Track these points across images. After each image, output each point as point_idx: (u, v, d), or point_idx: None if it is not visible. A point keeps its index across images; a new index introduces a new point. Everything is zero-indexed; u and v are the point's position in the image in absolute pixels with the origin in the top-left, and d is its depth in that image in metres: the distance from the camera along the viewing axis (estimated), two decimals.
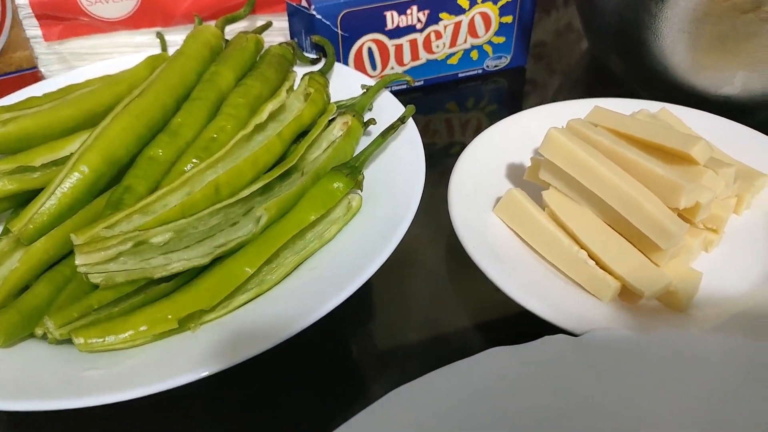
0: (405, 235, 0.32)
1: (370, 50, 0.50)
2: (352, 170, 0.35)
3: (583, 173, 0.34)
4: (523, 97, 0.58)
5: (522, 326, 0.31)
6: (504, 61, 0.55)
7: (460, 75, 0.55)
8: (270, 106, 0.37)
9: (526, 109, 0.44)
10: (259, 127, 0.37)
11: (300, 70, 0.44)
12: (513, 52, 0.55)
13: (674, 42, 0.42)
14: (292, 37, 0.50)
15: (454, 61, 0.53)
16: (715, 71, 0.42)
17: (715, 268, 0.34)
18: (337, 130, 0.39)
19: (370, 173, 0.39)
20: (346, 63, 0.50)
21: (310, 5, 0.46)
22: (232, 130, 0.36)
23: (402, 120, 0.38)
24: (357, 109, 0.40)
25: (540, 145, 0.36)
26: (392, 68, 0.52)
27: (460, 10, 0.50)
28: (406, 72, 0.53)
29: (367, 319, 0.37)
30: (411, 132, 0.39)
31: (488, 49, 0.54)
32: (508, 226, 0.37)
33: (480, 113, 0.55)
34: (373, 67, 0.51)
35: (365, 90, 0.42)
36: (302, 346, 0.29)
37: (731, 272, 0.34)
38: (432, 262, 0.40)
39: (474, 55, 0.54)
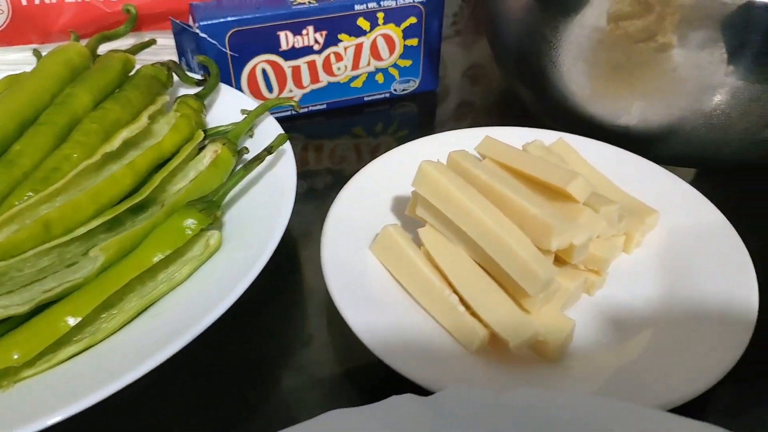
0: (284, 272, 0.29)
1: (264, 72, 0.47)
2: (208, 206, 0.32)
3: (454, 211, 0.31)
4: (435, 122, 0.56)
5: (387, 377, 0.28)
6: (412, 85, 0.53)
7: (366, 99, 0.52)
8: (125, 133, 0.34)
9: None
10: (112, 156, 0.34)
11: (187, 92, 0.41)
12: (421, 76, 0.53)
13: (571, 71, 0.41)
14: (180, 57, 0.47)
15: (358, 84, 0.51)
16: (612, 101, 0.41)
17: (598, 312, 0.32)
18: (207, 159, 0.36)
19: (237, 207, 0.36)
20: (238, 85, 0.47)
21: (194, 23, 0.43)
22: (79, 160, 0.33)
23: (269, 150, 0.35)
24: (230, 136, 0.37)
25: (413, 179, 0.33)
26: (290, 90, 0.49)
27: (360, 32, 0.48)
28: (307, 95, 0.50)
29: (206, 365, 0.33)
30: (287, 163, 0.37)
31: (394, 72, 0.52)
32: (384, 266, 0.34)
33: (389, 138, 0.53)
34: (269, 89, 0.48)
35: (245, 115, 0.39)
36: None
37: (614, 317, 0.32)
38: (301, 301, 0.37)
39: (379, 78, 0.51)
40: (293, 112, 0.51)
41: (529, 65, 0.44)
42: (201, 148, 0.37)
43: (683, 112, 0.38)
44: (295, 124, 0.52)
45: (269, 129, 0.40)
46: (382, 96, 0.53)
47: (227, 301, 0.28)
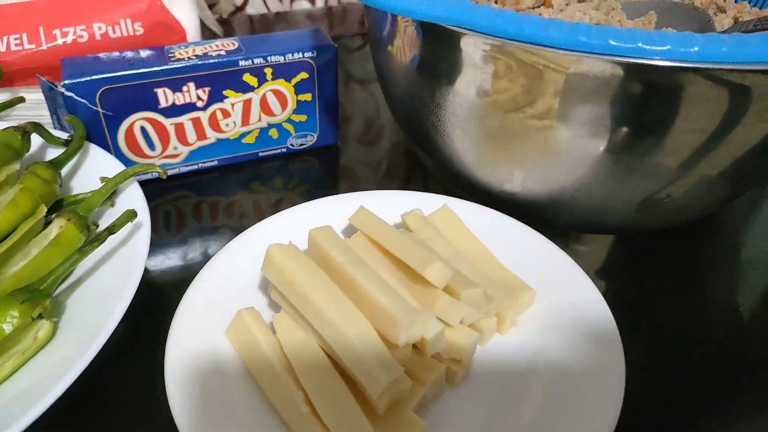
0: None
1: (143, 129, 0.44)
2: (32, 295, 0.29)
3: (299, 299, 0.29)
4: (337, 175, 0.54)
5: None
6: (311, 140, 0.51)
7: (261, 154, 0.50)
8: None
9: (340, 191, 0.40)
10: None
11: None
12: (319, 131, 0.51)
13: (451, 136, 0.39)
14: (52, 114, 0.44)
15: (250, 140, 0.49)
16: (493, 168, 0.39)
17: (461, 407, 0.30)
18: (52, 236, 0.33)
19: (82, 289, 0.33)
20: (115, 144, 0.44)
21: (60, 81, 0.41)
22: None
23: (110, 230, 0.32)
24: (80, 210, 0.34)
25: (262, 263, 0.31)
26: (175, 148, 0.47)
27: (248, 88, 0.46)
28: (194, 152, 0.47)
29: None
30: (139, 240, 0.34)
31: (289, 127, 0.50)
32: (239, 354, 0.31)
33: (291, 192, 0.51)
34: (151, 147, 0.46)
35: (103, 183, 0.36)
36: None
37: (486, 402, 0.30)
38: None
39: (273, 133, 0.49)
40: (179, 170, 0.48)
41: (418, 127, 0.42)
42: (49, 223, 0.34)
43: (561, 182, 0.37)
44: (184, 182, 0.49)
45: (134, 198, 0.38)
46: (279, 151, 0.51)
47: (41, 404, 0.26)
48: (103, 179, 0.37)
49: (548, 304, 0.35)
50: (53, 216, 0.34)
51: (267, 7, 0.85)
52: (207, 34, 0.64)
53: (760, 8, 0.51)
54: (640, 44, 0.28)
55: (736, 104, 0.30)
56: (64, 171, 0.40)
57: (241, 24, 0.83)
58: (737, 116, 0.31)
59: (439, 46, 0.35)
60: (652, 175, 0.35)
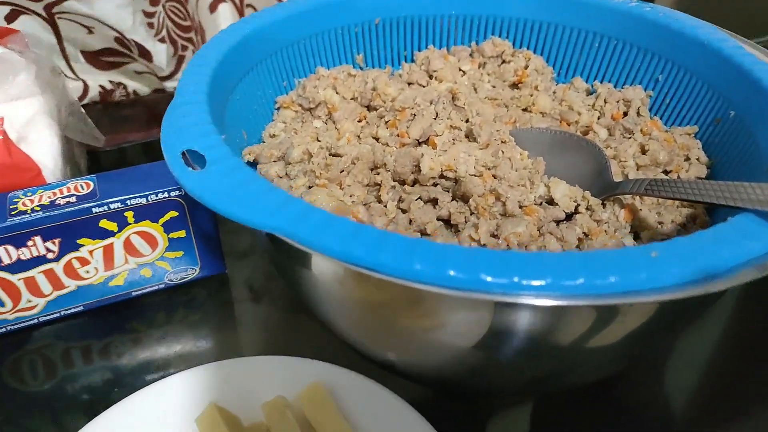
0: None
1: None
2: None
3: None
4: (231, 301, 0.49)
5: None
6: (192, 273, 0.47)
7: (135, 294, 0.45)
8: None
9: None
10: None
11: None
12: (201, 263, 0.46)
13: (326, 316, 0.35)
14: None
15: (119, 282, 0.44)
16: (369, 345, 0.35)
17: None
18: None
19: None
20: None
21: None
22: None
23: None
24: None
25: None
26: (29, 301, 0.42)
27: (106, 234, 0.41)
28: (53, 301, 0.43)
29: None
30: None
31: (164, 264, 0.45)
32: None
33: (178, 325, 0.46)
34: (1, 304, 0.41)
35: None
36: None
37: None
38: None
39: (146, 272, 0.45)
40: (38, 320, 0.43)
41: (296, 293, 0.38)
42: None
43: (437, 368, 0.33)
44: (43, 332, 0.44)
45: None
46: (156, 288, 0.46)
47: None
48: None
49: None
50: None
51: None
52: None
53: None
54: (516, 278, 0.23)
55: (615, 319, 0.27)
56: None
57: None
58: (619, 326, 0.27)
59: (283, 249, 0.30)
60: (532, 369, 0.31)
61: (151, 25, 0.67)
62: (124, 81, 0.73)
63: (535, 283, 0.23)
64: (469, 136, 0.40)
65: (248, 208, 0.27)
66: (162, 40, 0.69)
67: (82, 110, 0.56)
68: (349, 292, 0.30)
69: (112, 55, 0.69)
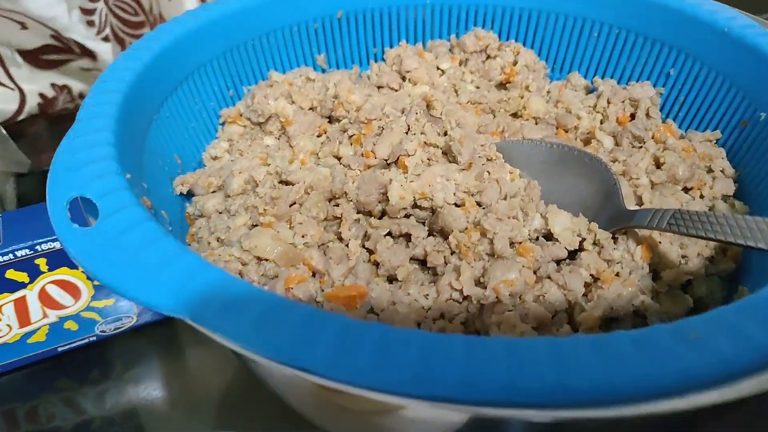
0: None
1: None
2: None
3: None
4: (183, 351, 0.43)
5: None
6: (129, 321, 0.40)
7: (60, 350, 0.39)
8: None
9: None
10: None
11: None
12: (138, 310, 0.39)
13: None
14: None
15: (39, 337, 0.37)
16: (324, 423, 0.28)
17: None
18: None
19: None
20: None
21: None
22: None
23: None
24: None
25: None
26: None
27: (16, 285, 0.34)
28: None
29: None
30: None
31: (92, 315, 0.38)
32: None
33: (116, 382, 0.39)
34: None
35: None
36: None
37: None
38: None
39: (71, 325, 0.38)
40: None
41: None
42: None
43: None
44: None
45: None
46: (87, 341, 0.39)
47: None
48: None
49: None
50: None
51: None
52: None
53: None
54: (494, 396, 0.17)
55: None
56: None
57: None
58: None
59: None
60: None
61: (91, 23, 0.59)
62: (69, 83, 0.65)
63: (529, 397, 0.16)
64: (448, 153, 0.33)
65: (143, 283, 0.20)
66: (106, 39, 0.61)
67: (3, 132, 0.49)
68: (290, 378, 0.23)
69: (54, 52, 0.61)
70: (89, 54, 0.60)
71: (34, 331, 0.37)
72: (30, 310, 0.35)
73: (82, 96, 0.66)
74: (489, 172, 0.32)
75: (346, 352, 0.17)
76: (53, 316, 0.37)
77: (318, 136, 0.38)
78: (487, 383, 0.16)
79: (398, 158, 0.32)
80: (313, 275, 0.29)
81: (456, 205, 0.31)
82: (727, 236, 0.24)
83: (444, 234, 0.31)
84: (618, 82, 0.42)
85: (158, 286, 0.20)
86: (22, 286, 0.34)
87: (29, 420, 0.38)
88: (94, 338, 0.39)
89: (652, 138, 0.36)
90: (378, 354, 0.17)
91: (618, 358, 0.17)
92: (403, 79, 0.43)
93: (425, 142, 0.33)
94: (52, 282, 0.35)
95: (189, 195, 0.34)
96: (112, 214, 0.23)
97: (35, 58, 0.62)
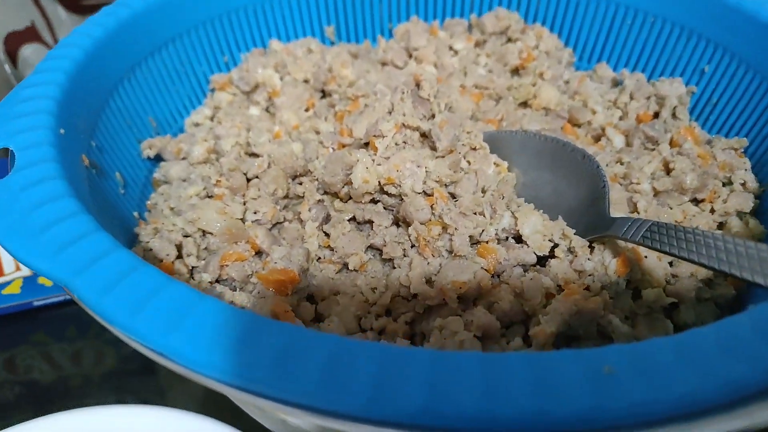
0: None
1: None
2: None
3: None
4: None
5: None
6: None
7: (36, 303, 0.39)
8: None
9: None
10: None
11: None
12: None
13: None
14: None
15: (14, 289, 0.37)
16: None
17: None
18: None
19: None
20: None
21: None
22: None
23: None
24: None
25: None
26: None
27: None
28: None
29: None
30: None
31: None
32: None
33: (97, 342, 0.39)
34: None
35: None
36: None
37: None
38: None
39: (45, 281, 0.37)
40: None
41: None
42: None
43: None
44: None
45: None
46: (63, 299, 0.39)
47: None
48: None
49: None
50: None
51: None
52: None
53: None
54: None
55: None
56: None
57: None
58: None
59: None
60: None
61: None
62: None
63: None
64: (429, 138, 0.30)
65: (29, 241, 0.19)
66: None
67: None
68: None
69: None
70: None
71: (8, 283, 0.37)
72: (2, 261, 0.36)
73: None
74: (469, 162, 0.29)
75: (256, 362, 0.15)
76: (26, 269, 0.36)
77: (306, 110, 0.36)
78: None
79: (368, 142, 0.30)
80: (259, 255, 0.27)
81: (426, 194, 0.28)
82: (710, 260, 0.21)
83: (408, 225, 0.28)
84: (648, 77, 0.38)
85: (41, 246, 0.19)
86: None
87: (7, 369, 0.38)
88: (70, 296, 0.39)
89: (669, 141, 0.32)
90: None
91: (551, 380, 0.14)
92: (410, 56, 0.40)
93: (403, 124, 0.30)
94: None
95: (157, 159, 0.33)
96: (25, 167, 0.22)
97: (74, 3, 0.63)
